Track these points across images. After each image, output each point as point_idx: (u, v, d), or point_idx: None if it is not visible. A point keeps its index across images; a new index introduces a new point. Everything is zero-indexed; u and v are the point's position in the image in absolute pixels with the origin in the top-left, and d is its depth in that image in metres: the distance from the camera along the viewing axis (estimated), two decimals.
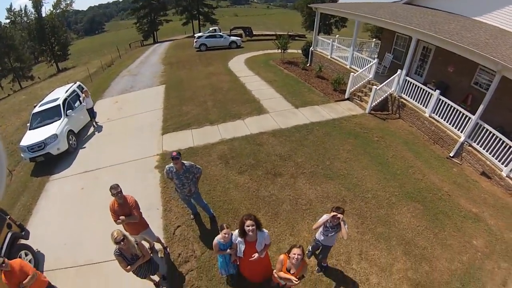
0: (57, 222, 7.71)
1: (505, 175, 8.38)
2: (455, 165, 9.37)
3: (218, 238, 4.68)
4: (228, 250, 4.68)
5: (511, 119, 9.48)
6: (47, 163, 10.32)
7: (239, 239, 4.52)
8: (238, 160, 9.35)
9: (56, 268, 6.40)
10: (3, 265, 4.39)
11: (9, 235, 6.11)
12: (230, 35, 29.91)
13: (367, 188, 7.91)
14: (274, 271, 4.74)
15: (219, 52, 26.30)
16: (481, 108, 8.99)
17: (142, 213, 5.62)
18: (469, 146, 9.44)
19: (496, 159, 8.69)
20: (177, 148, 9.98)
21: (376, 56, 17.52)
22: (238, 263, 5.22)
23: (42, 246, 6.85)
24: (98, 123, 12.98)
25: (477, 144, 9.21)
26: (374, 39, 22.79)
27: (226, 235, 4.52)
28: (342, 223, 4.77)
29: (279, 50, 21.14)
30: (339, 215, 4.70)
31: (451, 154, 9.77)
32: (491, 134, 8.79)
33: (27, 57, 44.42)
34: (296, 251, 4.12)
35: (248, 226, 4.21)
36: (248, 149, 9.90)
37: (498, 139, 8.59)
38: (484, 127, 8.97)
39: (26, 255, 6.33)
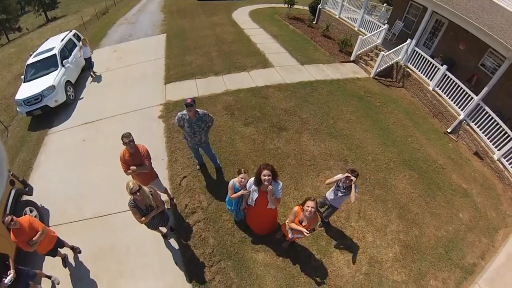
0: (60, 176, 7.51)
1: (496, 158, 8.60)
2: (451, 141, 9.59)
3: (234, 181, 4.74)
4: (242, 191, 4.66)
5: (511, 106, 9.49)
6: (45, 116, 9.92)
7: (253, 187, 4.51)
8: (244, 111, 9.20)
9: (62, 223, 6.36)
10: (12, 223, 4.26)
11: (12, 192, 5.87)
12: None
13: (368, 151, 8.07)
14: (286, 221, 4.78)
15: (222, 2, 24.69)
16: (485, 90, 9.01)
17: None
18: (467, 125, 9.54)
19: (490, 142, 8.86)
20: (181, 98, 9.67)
21: (385, 21, 16.70)
22: (246, 211, 5.25)
23: (46, 201, 6.76)
24: (96, 73, 12.45)
25: (475, 124, 9.32)
26: (385, 4, 21.53)
27: (243, 180, 4.56)
28: (353, 186, 4.78)
29: (286, 5, 19.99)
30: (352, 177, 4.74)
31: (449, 130, 9.93)
32: (489, 117, 8.86)
33: (13, 7, 41.46)
34: (310, 203, 4.15)
35: (264, 176, 4.17)
36: (254, 102, 9.72)
37: (495, 123, 8.71)
38: (484, 109, 9.03)
39: (31, 211, 6.18)
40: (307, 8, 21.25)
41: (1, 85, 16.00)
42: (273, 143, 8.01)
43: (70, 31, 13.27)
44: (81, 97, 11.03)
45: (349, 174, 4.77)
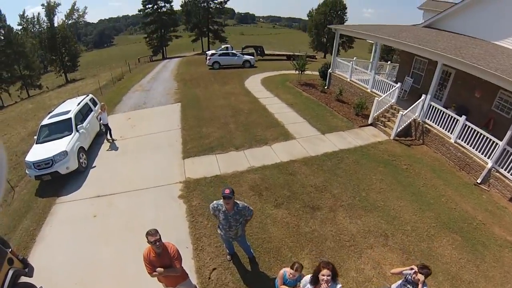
0: (65, 254, 6.76)
1: None
2: (483, 192, 9.26)
3: (285, 270, 4.52)
4: None
5: None
6: (54, 182, 9.40)
7: (309, 285, 4.02)
8: (273, 191, 8.62)
9: None
10: None
11: (10, 272, 5.12)
12: (243, 54, 29.54)
13: (406, 220, 7.72)
14: None
15: (233, 71, 25.81)
16: (508, 134, 8.91)
17: None
18: (496, 172, 9.26)
19: None
20: (202, 176, 9.19)
21: (394, 79, 17.21)
22: None
23: (47, 284, 5.85)
24: (114, 140, 12.24)
25: (505, 170, 9.07)
26: (389, 62, 22.46)
27: (292, 276, 4.38)
28: (420, 285, 4.25)
29: (296, 71, 20.64)
30: (420, 276, 4.25)
31: (479, 181, 9.56)
32: None
33: (36, 65, 44.43)
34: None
35: (323, 275, 3.73)
36: (281, 179, 9.19)
37: None
38: (511, 153, 8.93)
39: None
40: (316, 73, 21.95)
41: (14, 141, 15.92)
42: (308, 226, 7.41)
43: (87, 96, 13.34)
44: (93, 165, 10.59)
45: (416, 270, 4.30)
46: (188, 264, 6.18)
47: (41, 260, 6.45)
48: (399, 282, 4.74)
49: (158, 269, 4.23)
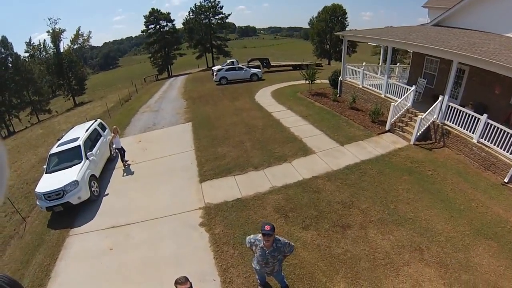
0: None
1: None
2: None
3: None
4: None
5: None
6: (67, 213, 9.04)
7: None
8: (299, 212, 8.12)
9: None
10: None
11: None
12: (249, 67, 29.34)
13: (438, 231, 7.39)
14: None
15: (241, 85, 25.50)
16: None
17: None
18: None
19: None
20: (223, 200, 8.70)
21: (405, 81, 16.87)
22: None
23: None
24: (128, 162, 11.94)
25: None
26: (397, 64, 21.97)
27: None
28: None
29: (306, 81, 20.22)
30: None
31: (506, 180, 9.13)
32: None
33: (45, 90, 45.42)
34: None
35: None
36: (306, 198, 8.68)
37: None
38: None
39: None
40: (325, 81, 21.52)
41: (25, 168, 15.77)
42: (340, 246, 6.96)
43: (95, 121, 13.05)
44: (106, 193, 10.19)
45: None
46: None
47: None
48: None
49: None
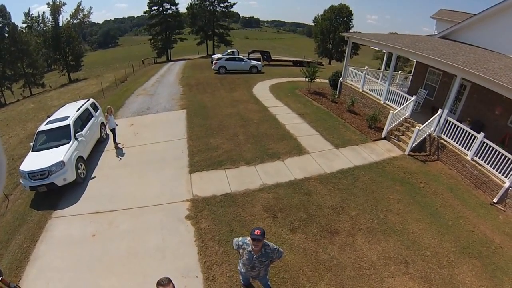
0: (62, 278, 6.15)
1: None
2: (500, 212, 9.01)
3: None
4: None
5: None
6: (51, 194, 8.79)
7: None
8: (288, 213, 8.01)
9: None
10: None
11: None
12: (249, 59, 28.96)
13: (425, 245, 7.42)
14: None
15: (239, 76, 25.14)
16: None
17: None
18: None
19: None
20: (212, 194, 8.53)
21: (405, 89, 16.84)
22: None
23: None
24: (120, 145, 11.81)
25: None
26: (399, 72, 21.93)
27: None
28: None
29: (305, 79, 20.04)
30: None
31: (495, 200, 9.28)
32: None
33: (40, 64, 44.22)
34: None
35: None
36: (297, 200, 8.57)
37: None
38: None
39: None
40: (325, 80, 21.37)
41: (12, 143, 15.46)
42: (326, 252, 6.89)
43: (88, 100, 12.66)
44: (92, 176, 9.92)
45: None
46: None
47: (36, 283, 6.00)
48: None
49: None
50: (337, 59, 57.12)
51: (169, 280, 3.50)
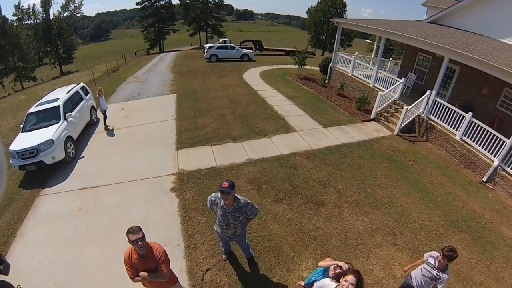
0: (47, 252, 6.18)
1: None
2: (489, 191, 9.06)
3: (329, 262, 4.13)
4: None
5: None
6: (39, 173, 8.83)
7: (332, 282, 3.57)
8: (273, 185, 8.07)
9: None
10: None
11: None
12: (241, 48, 28.89)
13: (414, 218, 7.43)
14: None
15: (231, 64, 25.18)
16: None
17: None
18: (502, 170, 9.02)
19: None
20: (197, 168, 8.60)
21: (396, 75, 16.84)
22: None
23: (26, 283, 5.27)
24: (109, 127, 11.85)
25: (511, 169, 8.86)
26: (390, 58, 22.02)
27: (337, 272, 3.75)
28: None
29: (296, 65, 20.12)
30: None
31: (484, 179, 9.35)
32: None
33: (31, 57, 43.40)
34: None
35: (346, 281, 3.18)
36: (282, 173, 8.64)
37: None
38: None
39: None
40: (316, 68, 21.46)
41: (3, 131, 15.39)
42: (311, 223, 6.91)
43: (78, 84, 12.64)
44: (82, 155, 9.98)
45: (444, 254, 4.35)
46: (179, 264, 5.63)
47: (21, 258, 5.98)
48: (420, 268, 4.70)
49: (141, 273, 3.59)
50: (330, 50, 56.83)
51: (139, 229, 3.49)
